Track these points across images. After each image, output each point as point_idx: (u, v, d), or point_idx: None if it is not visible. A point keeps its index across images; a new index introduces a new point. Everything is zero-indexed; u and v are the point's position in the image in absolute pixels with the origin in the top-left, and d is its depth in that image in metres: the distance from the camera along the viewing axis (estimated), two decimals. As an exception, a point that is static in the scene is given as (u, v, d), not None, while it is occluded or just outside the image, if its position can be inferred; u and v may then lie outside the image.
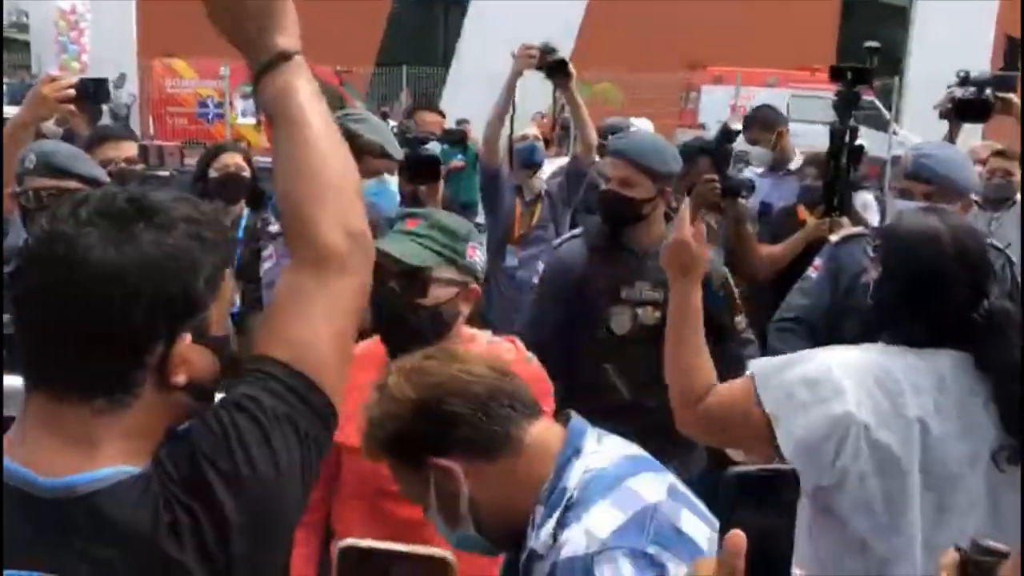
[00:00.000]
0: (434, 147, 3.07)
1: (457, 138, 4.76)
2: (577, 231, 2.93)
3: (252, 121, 14.43)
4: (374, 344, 1.93)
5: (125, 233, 0.95)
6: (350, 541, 0.89)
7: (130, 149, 3.39)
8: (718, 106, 14.11)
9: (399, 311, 1.83)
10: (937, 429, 1.60)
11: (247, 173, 3.75)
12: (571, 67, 3.84)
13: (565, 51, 3.97)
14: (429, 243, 1.85)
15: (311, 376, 1.02)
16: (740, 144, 4.45)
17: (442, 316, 1.82)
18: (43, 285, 0.95)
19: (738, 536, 0.77)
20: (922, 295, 1.67)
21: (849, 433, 1.57)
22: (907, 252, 1.72)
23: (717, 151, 3.65)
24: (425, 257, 1.83)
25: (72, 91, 2.47)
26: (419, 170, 2.95)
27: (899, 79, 15.22)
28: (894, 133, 12.98)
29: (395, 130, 3.14)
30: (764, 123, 4.55)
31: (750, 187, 3.71)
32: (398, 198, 2.64)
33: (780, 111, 4.90)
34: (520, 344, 2.06)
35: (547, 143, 4.88)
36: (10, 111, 5.51)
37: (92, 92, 2.57)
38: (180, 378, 0.98)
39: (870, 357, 1.66)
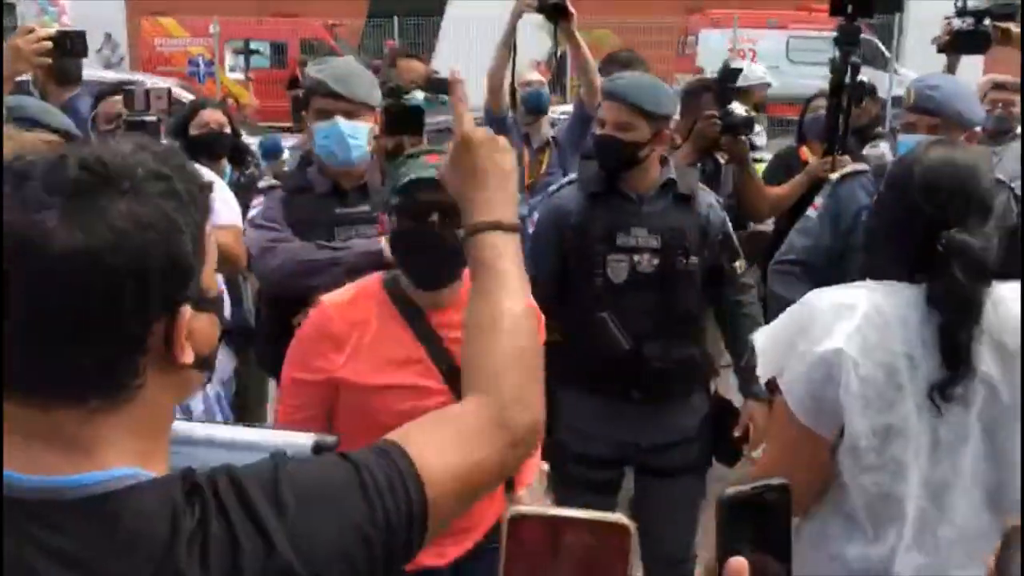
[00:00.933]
0: (416, 96, 2.98)
1: (441, 87, 4.64)
2: (572, 176, 2.87)
3: (241, 77, 14.20)
4: (373, 282, 1.97)
5: (88, 208, 0.81)
6: (519, 509, 0.85)
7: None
8: (716, 50, 13.92)
9: (435, 243, 1.85)
10: (925, 363, 1.58)
11: (228, 130, 3.71)
12: (571, 8, 3.75)
13: (560, -3, 3.87)
14: None
15: (431, 498, 0.96)
16: None
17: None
18: (10, 287, 0.80)
19: (739, 563, 0.79)
20: (893, 228, 1.67)
21: (841, 368, 1.56)
22: (887, 186, 1.71)
23: (719, 89, 3.60)
24: None
25: (49, 43, 2.40)
26: (401, 121, 2.87)
27: (899, 16, 14.97)
28: (895, 72, 12.81)
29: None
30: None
31: (750, 124, 3.66)
32: (360, 143, 2.51)
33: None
34: None
35: (550, 89, 4.77)
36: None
37: (70, 45, 2.47)
38: (188, 356, 0.89)
39: (858, 293, 1.64)
